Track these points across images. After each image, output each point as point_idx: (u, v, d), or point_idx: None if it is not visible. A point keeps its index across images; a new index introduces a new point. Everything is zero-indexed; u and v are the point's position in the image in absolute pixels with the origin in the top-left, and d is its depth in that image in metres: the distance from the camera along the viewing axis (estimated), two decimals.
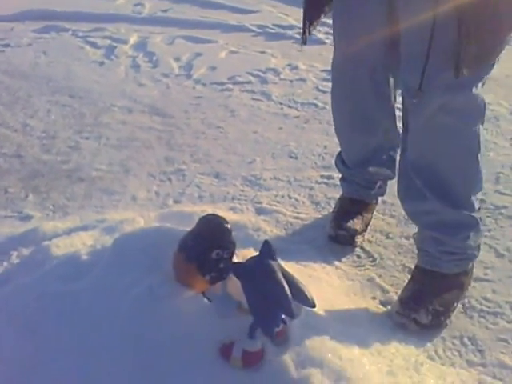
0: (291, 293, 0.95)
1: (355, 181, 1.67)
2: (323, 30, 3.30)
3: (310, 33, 1.42)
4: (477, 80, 1.25)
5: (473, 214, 1.38)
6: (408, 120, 1.36)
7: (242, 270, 0.98)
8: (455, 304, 1.40)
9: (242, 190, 1.94)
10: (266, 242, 1.00)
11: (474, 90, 1.25)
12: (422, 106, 1.27)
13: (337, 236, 1.64)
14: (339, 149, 2.15)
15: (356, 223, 1.64)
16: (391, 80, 1.52)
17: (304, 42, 1.44)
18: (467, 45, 1.12)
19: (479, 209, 1.42)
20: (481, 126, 1.32)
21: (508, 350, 1.32)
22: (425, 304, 1.35)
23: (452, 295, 1.40)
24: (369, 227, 1.70)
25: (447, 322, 1.38)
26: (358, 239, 1.64)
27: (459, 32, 1.12)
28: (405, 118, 1.38)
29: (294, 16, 3.57)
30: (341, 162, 1.70)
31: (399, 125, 1.52)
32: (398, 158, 1.60)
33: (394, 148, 1.64)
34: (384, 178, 1.69)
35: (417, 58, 1.20)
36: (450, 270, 1.40)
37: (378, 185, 1.69)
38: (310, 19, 1.41)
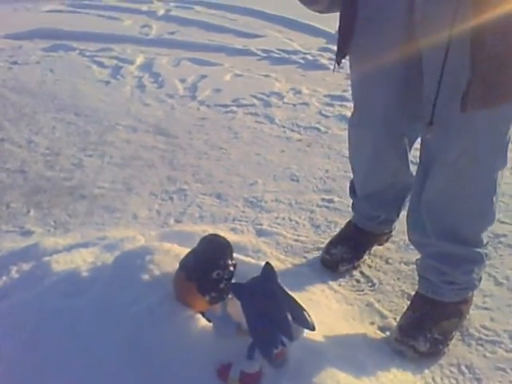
0: (291, 315, 0.95)
1: (359, 210, 1.67)
2: (327, 56, 3.36)
3: (339, 63, 1.40)
4: (500, 122, 1.21)
5: (479, 250, 1.37)
6: (429, 163, 1.33)
7: (242, 290, 0.99)
8: (453, 332, 1.39)
9: (243, 212, 1.95)
10: (267, 263, 1.01)
11: (498, 134, 1.22)
12: (443, 149, 1.26)
13: (322, 259, 1.66)
14: (340, 173, 2.19)
15: (344, 251, 1.63)
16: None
17: (333, 69, 1.43)
18: (476, 78, 1.10)
19: (487, 243, 1.40)
20: (501, 172, 1.31)
21: (505, 379, 1.31)
22: (424, 332, 1.34)
23: (451, 323, 1.39)
24: (367, 253, 1.69)
25: (445, 350, 1.36)
26: (344, 267, 1.62)
27: (470, 64, 1.10)
28: (425, 159, 1.35)
29: (299, 41, 3.64)
30: (351, 188, 1.69)
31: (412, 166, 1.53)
32: (406, 198, 1.60)
33: (404, 188, 1.60)
34: (386, 217, 1.65)
35: (430, 90, 1.19)
36: (451, 298, 1.40)
37: (381, 219, 1.65)
38: (343, 51, 1.39)
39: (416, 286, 1.59)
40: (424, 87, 1.26)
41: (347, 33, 1.34)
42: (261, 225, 1.87)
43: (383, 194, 1.60)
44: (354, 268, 1.65)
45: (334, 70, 1.42)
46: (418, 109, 1.32)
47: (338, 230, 1.85)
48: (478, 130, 1.21)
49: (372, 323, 1.46)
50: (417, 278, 1.61)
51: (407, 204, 1.62)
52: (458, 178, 1.28)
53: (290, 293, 1.04)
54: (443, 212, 1.33)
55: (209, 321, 1.09)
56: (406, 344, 1.34)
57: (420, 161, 1.39)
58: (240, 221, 1.90)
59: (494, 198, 1.33)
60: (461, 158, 1.24)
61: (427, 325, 1.35)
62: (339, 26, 1.36)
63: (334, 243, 1.67)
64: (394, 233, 1.78)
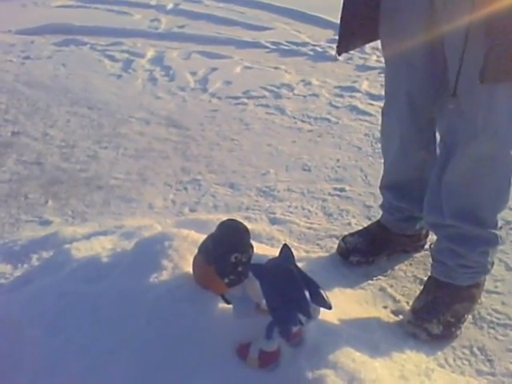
0: (309, 294, 0.98)
1: (384, 204, 1.66)
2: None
3: (339, 54, 1.44)
4: None
5: (495, 231, 1.39)
6: (450, 142, 1.35)
7: (261, 271, 1.02)
8: (466, 315, 1.42)
9: (257, 201, 1.98)
10: (285, 245, 1.04)
11: None
12: (464, 124, 1.28)
13: (338, 245, 1.67)
14: (351, 162, 2.21)
15: (359, 242, 1.62)
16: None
17: (335, 58, 1.49)
18: (492, 51, 1.13)
19: (501, 227, 1.42)
20: None
21: None
22: (437, 315, 1.37)
23: (463, 307, 1.42)
24: (386, 254, 1.66)
25: (458, 332, 1.40)
26: (356, 258, 1.61)
27: (486, 38, 1.14)
28: (446, 139, 1.37)
29: (308, 33, 3.65)
30: (381, 184, 1.68)
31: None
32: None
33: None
34: (410, 214, 1.61)
35: (452, 69, 1.23)
36: (464, 282, 1.42)
37: (404, 215, 1.61)
38: (346, 47, 1.42)
39: (428, 272, 1.62)
40: (447, 69, 1.28)
41: (350, 28, 1.39)
42: (274, 213, 1.90)
43: (408, 185, 1.58)
44: (368, 263, 1.61)
45: (335, 59, 1.46)
46: (442, 94, 1.34)
47: (349, 218, 1.88)
48: (497, 103, 1.24)
49: (385, 307, 1.49)
50: (429, 264, 1.65)
51: None
52: (479, 156, 1.30)
53: (307, 275, 1.08)
54: (463, 192, 1.35)
55: (228, 302, 1.12)
56: (419, 326, 1.37)
57: (441, 141, 1.41)
58: (253, 210, 1.93)
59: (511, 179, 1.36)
60: (482, 133, 1.27)
61: (440, 308, 1.38)
62: (342, 22, 1.39)
63: (353, 233, 1.68)
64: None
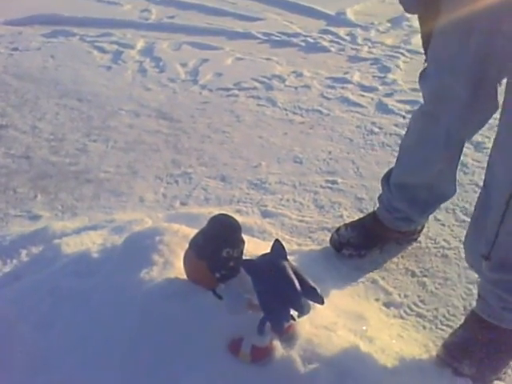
0: (301, 289, 0.98)
1: (383, 200, 1.62)
2: (327, 38, 3.36)
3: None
4: None
5: None
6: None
7: (253, 266, 1.01)
8: (508, 362, 1.28)
9: (248, 194, 1.97)
10: (276, 240, 1.03)
11: None
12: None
13: (330, 237, 1.66)
14: (343, 154, 2.21)
15: (352, 235, 1.61)
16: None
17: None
18: None
19: None
20: None
21: None
22: (471, 355, 1.23)
23: (507, 352, 1.27)
24: (379, 247, 1.64)
25: (493, 379, 1.25)
26: (348, 251, 1.59)
27: None
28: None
29: (299, 24, 3.63)
30: (386, 175, 1.63)
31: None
32: (437, 205, 1.60)
33: (440, 194, 1.56)
34: (407, 215, 1.57)
35: None
36: (510, 325, 1.26)
37: (401, 215, 1.57)
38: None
39: (420, 264, 1.63)
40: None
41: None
42: (265, 206, 1.89)
43: (416, 190, 1.53)
44: (360, 256, 1.60)
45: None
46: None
47: (341, 210, 1.88)
48: None
49: (377, 300, 1.49)
50: (420, 256, 1.66)
51: (434, 212, 1.60)
52: None
53: (299, 270, 1.07)
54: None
55: (219, 298, 1.12)
56: (448, 364, 1.24)
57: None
58: (245, 202, 1.92)
59: None
60: None
61: (477, 349, 1.25)
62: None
63: (346, 225, 1.66)
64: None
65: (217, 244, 1.15)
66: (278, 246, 1.01)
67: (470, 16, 1.12)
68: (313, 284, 1.00)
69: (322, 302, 1.01)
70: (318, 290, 1.00)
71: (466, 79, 1.22)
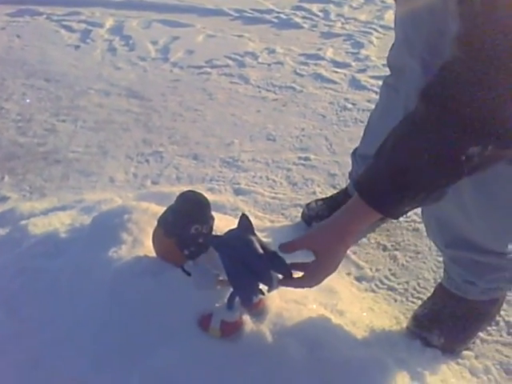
0: (269, 263, 0.97)
1: (353, 174, 1.61)
2: (300, 15, 3.32)
3: None
4: None
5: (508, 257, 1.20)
6: None
7: (220, 242, 1.00)
8: (476, 333, 1.29)
9: (220, 172, 1.95)
10: (243, 215, 1.02)
11: None
12: None
13: (302, 212, 1.66)
14: (316, 131, 2.20)
15: (322, 208, 1.61)
16: None
17: None
18: None
19: None
20: None
21: None
22: (439, 325, 1.25)
23: (473, 322, 1.28)
24: None
25: (461, 349, 1.27)
26: (318, 224, 1.56)
27: None
28: None
29: (272, 0, 3.58)
30: (355, 151, 1.63)
31: None
32: None
33: None
34: None
35: None
36: (476, 297, 1.26)
37: None
38: None
39: (391, 238, 1.64)
40: None
41: None
42: (238, 184, 1.88)
43: None
44: None
45: None
46: None
47: (314, 186, 1.87)
48: None
49: (348, 274, 1.50)
50: (392, 231, 1.67)
51: None
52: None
53: (267, 244, 1.06)
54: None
55: (188, 274, 1.10)
56: (417, 335, 1.26)
57: None
58: (217, 181, 1.91)
59: None
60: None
61: (445, 319, 1.26)
62: None
63: (318, 200, 1.67)
64: None
65: (185, 221, 1.13)
66: (244, 220, 1.00)
67: None
68: (281, 257, 0.99)
69: (291, 275, 1.00)
70: (286, 263, 0.99)
71: (420, 54, 1.19)
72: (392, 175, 0.88)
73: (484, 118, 0.80)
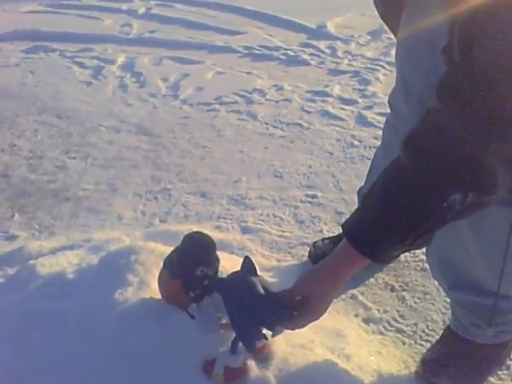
0: (271, 307, 0.97)
1: None
2: (308, 51, 3.38)
3: None
4: None
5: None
6: None
7: (223, 285, 1.00)
8: (486, 377, 1.27)
9: (228, 209, 1.96)
10: (246, 257, 1.02)
11: None
12: None
13: (309, 251, 1.66)
14: (323, 168, 2.21)
15: (329, 247, 1.61)
16: None
17: None
18: None
19: None
20: None
21: None
22: (448, 370, 1.23)
23: (483, 367, 1.27)
24: None
25: None
26: None
27: None
28: None
29: (280, 37, 3.64)
30: (359, 191, 1.64)
31: None
32: None
33: None
34: None
35: None
36: (486, 340, 1.24)
37: None
38: None
39: (399, 279, 1.62)
40: None
41: None
42: (245, 222, 1.88)
43: None
44: None
45: None
46: None
47: (321, 225, 1.87)
48: None
49: (356, 315, 1.48)
50: (399, 270, 1.65)
51: None
52: None
53: (271, 287, 1.06)
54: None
55: (192, 317, 1.10)
56: (426, 380, 1.24)
57: None
58: (225, 219, 1.91)
59: None
60: None
61: (454, 363, 1.24)
62: None
63: (325, 239, 1.66)
64: None
65: (190, 262, 1.13)
66: (247, 262, 1.00)
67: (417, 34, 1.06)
68: (282, 301, 0.98)
69: (292, 319, 0.99)
70: (287, 307, 0.98)
71: (418, 93, 1.11)
72: (378, 220, 0.90)
73: (463, 167, 0.82)
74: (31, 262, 1.53)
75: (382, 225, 0.89)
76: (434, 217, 0.87)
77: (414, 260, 1.68)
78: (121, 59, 3.37)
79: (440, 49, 0.85)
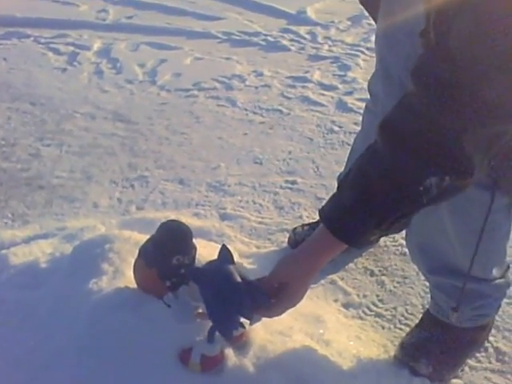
0: (248, 295, 0.95)
1: None
2: (288, 37, 3.34)
3: None
4: None
5: (496, 282, 1.19)
6: None
7: (199, 274, 0.98)
8: (464, 360, 1.28)
9: (207, 196, 1.93)
10: (223, 246, 1.00)
11: None
12: None
13: (288, 237, 1.65)
14: (303, 154, 2.19)
15: (308, 233, 1.57)
16: None
17: None
18: None
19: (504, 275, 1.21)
20: None
21: None
22: (427, 354, 1.23)
23: (462, 350, 1.27)
24: None
25: (450, 377, 1.25)
26: None
27: None
28: None
29: (260, 23, 3.60)
30: (339, 177, 1.61)
31: None
32: None
33: None
34: None
35: None
36: (462, 324, 1.24)
37: None
38: None
39: (379, 263, 1.62)
40: None
41: None
42: (224, 209, 1.86)
43: None
44: None
45: None
46: None
47: (301, 211, 1.86)
48: None
49: (335, 300, 1.47)
50: (380, 255, 1.65)
51: None
52: None
53: (253, 275, 1.04)
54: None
55: (168, 306, 1.08)
56: (405, 364, 1.24)
57: None
58: (203, 205, 1.88)
59: None
60: None
61: (433, 347, 1.24)
62: None
63: (304, 224, 1.65)
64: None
65: (167, 251, 1.11)
66: (224, 251, 0.98)
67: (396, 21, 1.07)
68: (261, 288, 0.96)
69: (270, 306, 0.98)
70: (266, 294, 0.96)
71: (398, 77, 1.11)
72: (355, 205, 0.89)
73: (438, 151, 0.82)
74: (3, 251, 1.48)
75: (359, 209, 0.89)
76: (410, 201, 0.87)
77: (394, 244, 1.67)
78: (97, 45, 3.30)
79: (418, 33, 0.84)
